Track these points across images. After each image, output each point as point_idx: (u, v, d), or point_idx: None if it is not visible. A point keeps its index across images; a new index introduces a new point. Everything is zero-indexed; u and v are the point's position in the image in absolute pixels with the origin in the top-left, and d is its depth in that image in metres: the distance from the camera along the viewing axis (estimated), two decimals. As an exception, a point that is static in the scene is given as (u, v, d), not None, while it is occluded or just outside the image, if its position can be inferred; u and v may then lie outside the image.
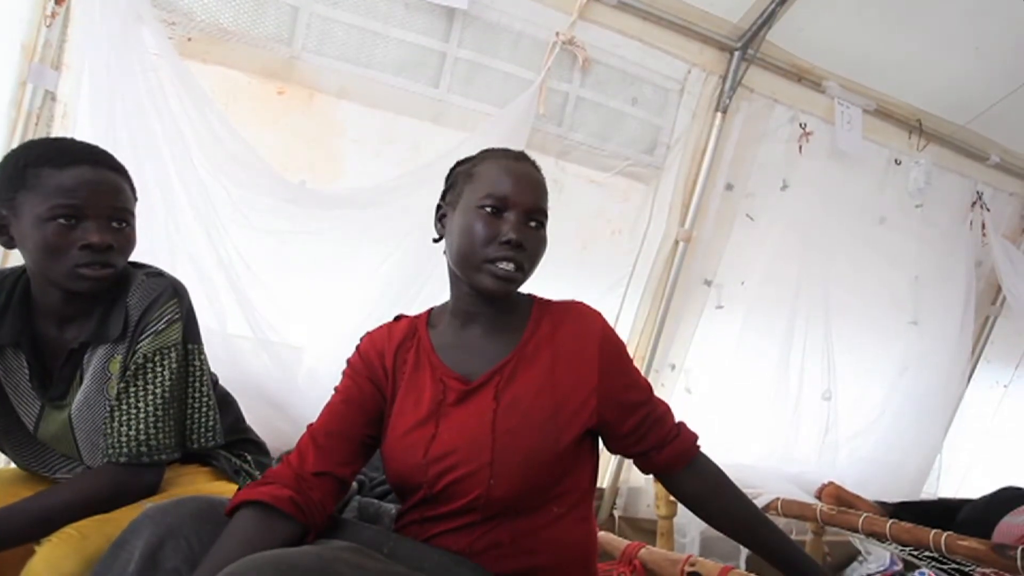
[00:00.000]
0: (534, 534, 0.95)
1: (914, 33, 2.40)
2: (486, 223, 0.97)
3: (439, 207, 1.08)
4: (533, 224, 1.00)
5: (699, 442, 1.07)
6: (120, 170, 1.11)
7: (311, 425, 1.03)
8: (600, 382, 1.00)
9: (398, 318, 1.13)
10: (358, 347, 1.10)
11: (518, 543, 0.94)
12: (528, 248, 0.98)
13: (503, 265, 0.96)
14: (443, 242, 1.05)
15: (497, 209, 0.97)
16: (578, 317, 1.05)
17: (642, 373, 1.09)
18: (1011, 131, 2.87)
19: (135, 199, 1.13)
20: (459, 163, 1.08)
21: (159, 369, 1.09)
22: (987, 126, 2.82)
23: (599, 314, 1.07)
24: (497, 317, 1.04)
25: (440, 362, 1.03)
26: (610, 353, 1.02)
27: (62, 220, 1.01)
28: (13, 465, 1.21)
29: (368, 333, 1.11)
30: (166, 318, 1.10)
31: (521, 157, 1.05)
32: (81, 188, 1.02)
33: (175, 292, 1.13)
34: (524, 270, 0.99)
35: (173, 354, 1.10)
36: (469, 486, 0.93)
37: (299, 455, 0.98)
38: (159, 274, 1.16)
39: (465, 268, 0.99)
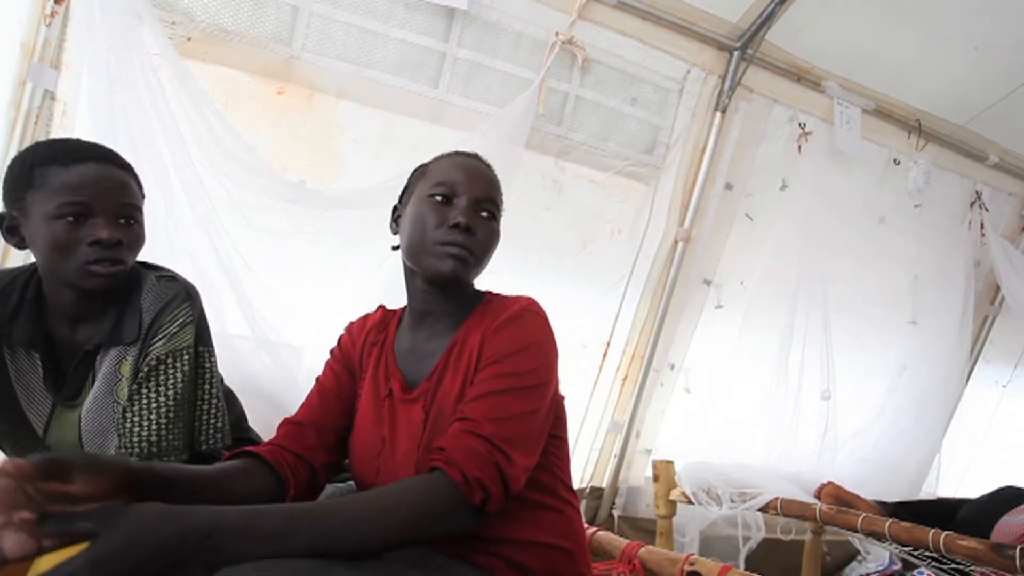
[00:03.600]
0: (501, 537, 0.93)
1: (913, 33, 2.40)
2: (436, 210, 0.98)
3: (395, 209, 1.10)
4: (484, 215, 1.00)
5: (465, 477, 0.80)
6: (126, 167, 1.11)
7: (286, 418, 1.05)
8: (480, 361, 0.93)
9: (379, 309, 1.14)
10: (340, 336, 1.13)
11: (489, 547, 0.93)
12: (478, 234, 0.98)
13: (452, 249, 0.95)
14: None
15: (447, 197, 0.98)
16: (501, 308, 0.98)
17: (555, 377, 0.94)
18: (1010, 131, 2.87)
19: (142, 196, 1.14)
20: (415, 168, 1.10)
21: (171, 371, 1.10)
22: (986, 126, 2.83)
23: (527, 303, 0.98)
24: (446, 316, 1.02)
25: (394, 362, 1.03)
26: (494, 326, 0.94)
27: (70, 217, 1.01)
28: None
29: (350, 322, 1.14)
30: (179, 321, 1.11)
31: (473, 155, 1.07)
32: (87, 185, 1.03)
33: (188, 295, 1.14)
34: (475, 254, 0.98)
35: (186, 357, 1.12)
36: None
37: (275, 438, 1.02)
38: (172, 277, 1.17)
39: (416, 255, 0.98)
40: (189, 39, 1.74)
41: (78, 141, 1.11)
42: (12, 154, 1.50)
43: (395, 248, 1.07)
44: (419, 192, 1.02)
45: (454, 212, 0.97)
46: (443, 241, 0.96)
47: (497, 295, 1.05)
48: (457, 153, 1.07)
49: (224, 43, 1.78)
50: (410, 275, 1.04)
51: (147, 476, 0.75)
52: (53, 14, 1.61)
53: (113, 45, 1.58)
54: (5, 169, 1.07)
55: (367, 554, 0.74)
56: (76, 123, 1.62)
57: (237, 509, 0.70)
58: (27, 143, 1.58)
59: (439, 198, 0.98)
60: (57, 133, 1.65)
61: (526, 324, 0.95)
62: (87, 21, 1.59)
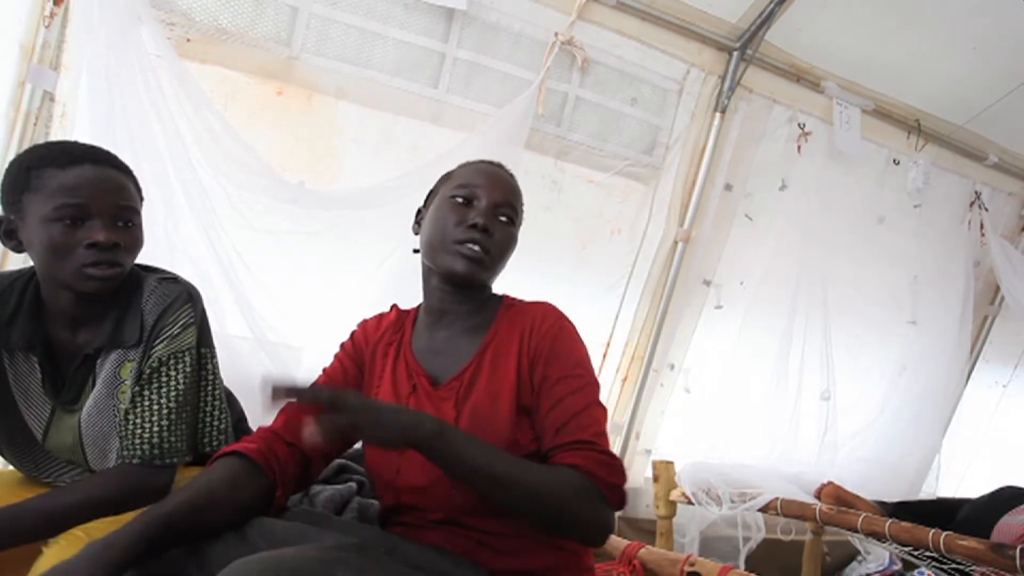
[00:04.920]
0: (513, 536, 0.94)
1: (912, 33, 2.41)
2: (456, 210, 1.01)
3: (418, 212, 1.13)
4: (503, 219, 1.03)
5: (604, 483, 0.90)
6: (124, 169, 1.11)
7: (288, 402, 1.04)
8: (530, 372, 0.97)
9: (392, 309, 1.16)
10: (353, 331, 1.14)
11: (496, 544, 0.94)
12: (496, 236, 1.01)
13: (470, 247, 0.98)
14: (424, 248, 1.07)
15: (467, 200, 1.02)
16: (533, 317, 1.02)
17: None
18: (1009, 131, 2.87)
19: (141, 198, 1.13)
20: (443, 175, 1.13)
21: (173, 373, 1.10)
22: (985, 126, 2.83)
23: (556, 311, 1.04)
24: (465, 317, 1.05)
25: (414, 359, 1.05)
26: (544, 340, 0.99)
27: (67, 220, 1.01)
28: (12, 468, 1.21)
29: (364, 320, 1.16)
30: (181, 322, 1.11)
31: (497, 164, 1.11)
32: (84, 187, 1.02)
33: (189, 297, 1.14)
34: (492, 255, 1.00)
35: (187, 358, 1.11)
36: (433, 495, 0.95)
37: (274, 422, 1.02)
38: (173, 279, 1.16)
39: (434, 253, 1.02)
40: (188, 40, 1.74)
41: (75, 143, 1.10)
42: (11, 155, 1.50)
43: (416, 251, 1.09)
44: (442, 194, 1.06)
45: (473, 213, 1.00)
46: (460, 240, 0.99)
47: (515, 299, 1.09)
48: (482, 161, 1.11)
49: (223, 44, 1.77)
50: (427, 274, 1.07)
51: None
52: (52, 15, 1.61)
53: (112, 46, 1.58)
54: (2, 172, 1.06)
55: (522, 508, 0.87)
56: (75, 124, 1.62)
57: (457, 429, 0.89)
58: (26, 144, 1.58)
59: (460, 199, 1.02)
60: (56, 134, 1.65)
61: (571, 332, 1.02)
62: (86, 22, 1.59)
